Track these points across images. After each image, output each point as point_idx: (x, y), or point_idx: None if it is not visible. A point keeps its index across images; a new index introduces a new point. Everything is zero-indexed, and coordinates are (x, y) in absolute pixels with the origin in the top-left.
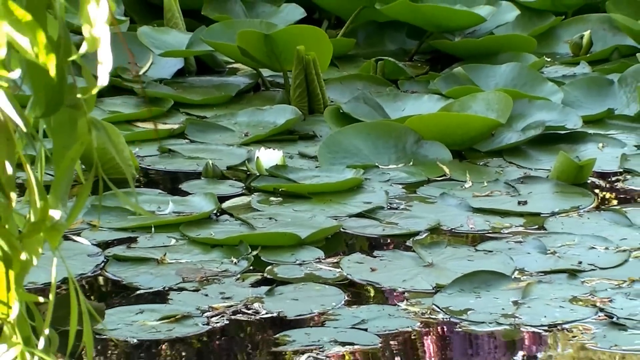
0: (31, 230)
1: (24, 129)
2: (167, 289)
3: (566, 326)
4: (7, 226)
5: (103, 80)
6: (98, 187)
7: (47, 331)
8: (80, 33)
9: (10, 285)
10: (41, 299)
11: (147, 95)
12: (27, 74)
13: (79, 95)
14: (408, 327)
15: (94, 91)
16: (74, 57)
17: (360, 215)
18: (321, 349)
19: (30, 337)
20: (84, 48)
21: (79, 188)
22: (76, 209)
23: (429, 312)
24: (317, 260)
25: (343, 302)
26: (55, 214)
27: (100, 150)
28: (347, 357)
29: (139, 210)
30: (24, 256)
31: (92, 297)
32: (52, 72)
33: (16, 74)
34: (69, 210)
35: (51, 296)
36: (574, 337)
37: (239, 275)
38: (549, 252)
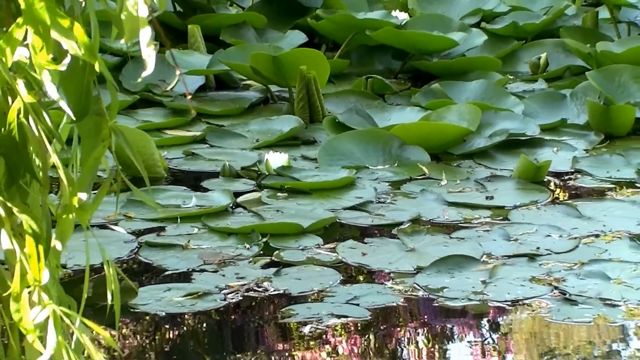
0: (63, 211)
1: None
2: (190, 270)
3: (526, 302)
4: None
5: (150, 68)
6: (132, 184)
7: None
8: (105, 51)
9: (40, 256)
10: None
11: (173, 107)
12: (61, 87)
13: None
14: (393, 302)
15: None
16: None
17: (353, 208)
18: (320, 321)
19: (69, 303)
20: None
21: (103, 184)
22: (98, 198)
23: (411, 289)
24: (317, 246)
25: (339, 281)
26: (83, 196)
27: (136, 155)
28: (342, 328)
29: (152, 204)
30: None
31: (127, 277)
32: (97, 68)
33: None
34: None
35: (86, 272)
36: (533, 310)
37: (251, 259)
38: (512, 239)
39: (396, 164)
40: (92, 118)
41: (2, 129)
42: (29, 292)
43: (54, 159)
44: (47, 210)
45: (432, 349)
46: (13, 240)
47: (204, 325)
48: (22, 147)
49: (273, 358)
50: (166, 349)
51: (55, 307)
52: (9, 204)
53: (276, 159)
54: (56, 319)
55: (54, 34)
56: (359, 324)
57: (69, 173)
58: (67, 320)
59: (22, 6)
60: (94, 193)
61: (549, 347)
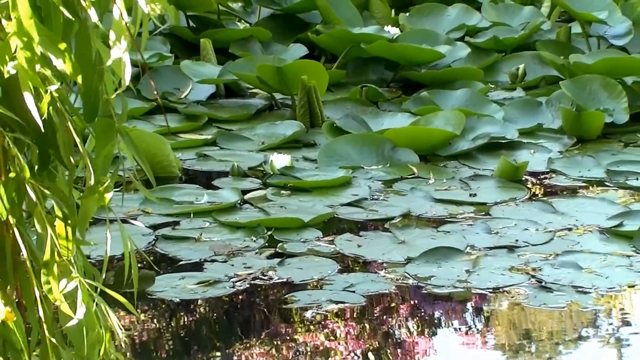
0: (88, 193)
1: (39, 122)
2: (202, 260)
3: (506, 289)
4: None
5: (124, 86)
6: (149, 184)
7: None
8: None
9: (69, 235)
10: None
11: (187, 113)
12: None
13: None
14: (386, 289)
15: (113, 96)
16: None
17: (349, 204)
18: (320, 307)
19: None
20: (109, 62)
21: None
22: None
23: (402, 278)
24: (317, 238)
25: (336, 270)
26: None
27: (150, 155)
28: (339, 312)
29: (151, 198)
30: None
31: (145, 267)
32: (81, 83)
33: (54, 87)
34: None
35: (108, 236)
36: (512, 297)
37: (257, 250)
38: (493, 232)
39: (388, 165)
40: (104, 119)
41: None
42: (58, 266)
43: (80, 146)
44: (72, 192)
45: (421, 332)
46: (45, 219)
47: (215, 310)
48: (52, 135)
49: (277, 340)
50: (180, 332)
51: (81, 278)
52: (41, 187)
53: (280, 160)
54: (84, 289)
55: (41, 50)
56: (354, 309)
57: (94, 162)
58: (89, 290)
59: (14, 22)
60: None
61: (526, 329)
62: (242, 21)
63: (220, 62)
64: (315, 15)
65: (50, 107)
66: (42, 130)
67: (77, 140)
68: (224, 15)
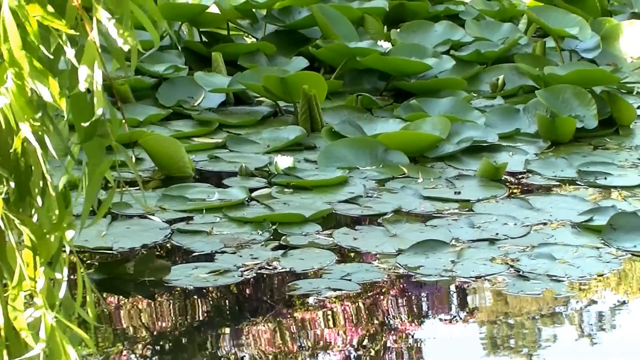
0: (52, 228)
1: (41, 160)
2: (213, 252)
3: (487, 278)
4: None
5: (98, 113)
6: (166, 183)
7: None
8: (144, 74)
9: (37, 265)
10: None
11: (199, 119)
12: (71, 115)
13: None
14: (379, 278)
15: (93, 118)
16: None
17: (346, 201)
18: (319, 294)
19: (56, 303)
20: (82, 86)
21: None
22: (101, 210)
23: (393, 267)
24: (317, 232)
25: (334, 261)
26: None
27: (169, 158)
28: (337, 299)
29: (144, 206)
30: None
31: (162, 258)
32: (63, 108)
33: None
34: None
35: (60, 274)
36: (493, 285)
37: (263, 242)
38: (476, 226)
39: (381, 166)
40: (97, 139)
41: (10, 155)
42: (25, 296)
43: (48, 184)
44: (46, 224)
45: (410, 315)
46: (16, 249)
47: (224, 296)
48: (25, 169)
49: (280, 323)
50: (194, 316)
51: (46, 311)
52: (11, 217)
53: (283, 161)
54: (46, 322)
55: (30, 81)
56: (351, 296)
57: (60, 198)
58: (50, 321)
59: (5, 54)
60: (135, 190)
61: (505, 314)
62: (250, 36)
63: (230, 73)
64: (316, 31)
65: (25, 143)
66: (19, 164)
67: (47, 174)
68: (233, 31)
